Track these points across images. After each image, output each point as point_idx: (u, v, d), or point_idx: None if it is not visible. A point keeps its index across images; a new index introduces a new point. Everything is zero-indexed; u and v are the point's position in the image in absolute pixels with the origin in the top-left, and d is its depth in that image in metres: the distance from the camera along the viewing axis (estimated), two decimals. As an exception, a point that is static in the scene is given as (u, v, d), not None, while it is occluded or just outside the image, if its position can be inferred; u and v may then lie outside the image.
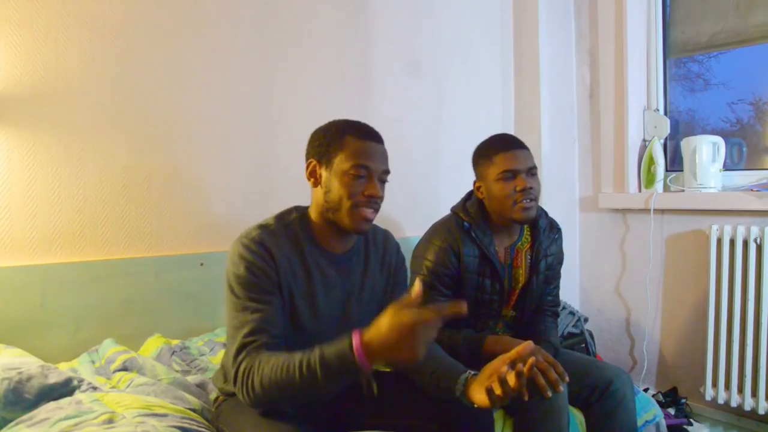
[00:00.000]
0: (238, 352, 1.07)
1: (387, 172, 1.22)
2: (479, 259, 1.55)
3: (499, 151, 1.52)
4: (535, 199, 1.52)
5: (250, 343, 1.07)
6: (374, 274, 1.30)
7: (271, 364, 1.02)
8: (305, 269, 1.18)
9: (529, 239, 1.65)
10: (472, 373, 1.16)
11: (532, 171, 1.52)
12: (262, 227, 1.18)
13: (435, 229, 1.62)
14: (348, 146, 1.17)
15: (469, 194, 1.66)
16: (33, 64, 1.58)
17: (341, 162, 1.16)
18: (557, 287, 1.74)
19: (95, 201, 1.69)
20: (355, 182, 1.16)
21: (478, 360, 1.45)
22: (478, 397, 1.09)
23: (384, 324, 0.95)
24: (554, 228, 1.70)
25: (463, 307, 0.97)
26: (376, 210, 1.20)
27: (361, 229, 1.19)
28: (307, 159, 1.23)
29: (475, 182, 1.61)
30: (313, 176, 1.21)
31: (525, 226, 1.64)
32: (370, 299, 1.29)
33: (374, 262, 1.31)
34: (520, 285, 1.63)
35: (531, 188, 1.49)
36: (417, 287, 0.99)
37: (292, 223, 1.21)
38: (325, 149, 1.18)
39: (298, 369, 0.99)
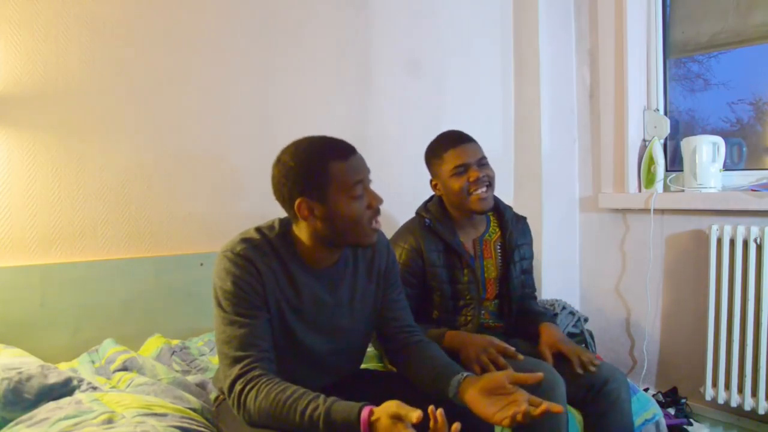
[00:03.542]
0: (230, 366, 1.07)
1: (369, 171, 1.21)
2: (444, 253, 1.61)
3: (448, 148, 1.59)
4: (491, 186, 1.58)
5: (243, 359, 1.07)
6: (363, 283, 1.29)
7: (272, 398, 1.02)
8: (291, 284, 1.18)
9: (498, 230, 1.69)
10: (465, 374, 1.17)
11: (482, 161, 1.58)
12: (246, 241, 1.15)
13: (399, 232, 1.68)
14: (336, 172, 1.13)
15: (432, 196, 1.71)
16: (33, 64, 1.58)
17: (337, 191, 1.13)
18: (531, 274, 1.80)
19: (95, 201, 1.69)
20: (360, 202, 1.15)
21: None
22: (481, 410, 1.08)
23: (391, 411, 0.96)
24: (521, 219, 1.76)
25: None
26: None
27: (373, 242, 1.21)
28: (289, 199, 1.14)
29: (431, 180, 1.67)
30: (311, 213, 1.14)
31: (491, 219, 1.70)
32: (362, 308, 1.29)
33: (362, 270, 1.29)
34: (493, 276, 1.66)
35: (484, 176, 1.55)
36: (440, 417, 0.98)
37: (274, 238, 1.18)
38: (312, 183, 1.13)
39: (299, 414, 1.00)
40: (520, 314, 1.70)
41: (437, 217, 1.62)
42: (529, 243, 1.76)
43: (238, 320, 1.10)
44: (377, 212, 1.19)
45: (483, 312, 1.65)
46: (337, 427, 0.98)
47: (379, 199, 1.19)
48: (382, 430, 0.95)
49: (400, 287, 1.38)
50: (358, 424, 0.97)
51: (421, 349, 1.30)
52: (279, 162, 1.17)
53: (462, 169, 1.56)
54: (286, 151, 1.18)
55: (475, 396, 1.10)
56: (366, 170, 1.19)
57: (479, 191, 1.55)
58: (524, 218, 1.78)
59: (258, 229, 1.19)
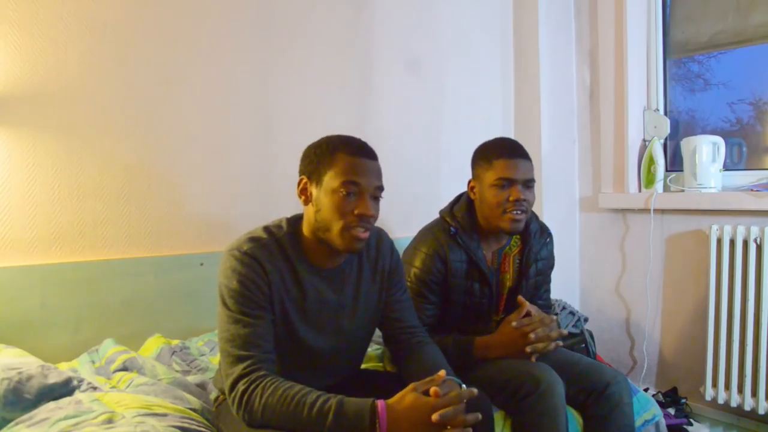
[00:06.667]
0: (233, 365, 1.07)
1: (380, 188, 1.17)
2: (466, 264, 1.53)
3: (500, 157, 1.48)
4: (526, 212, 1.49)
5: (246, 358, 1.07)
6: (367, 284, 1.29)
7: (279, 394, 1.02)
8: (297, 284, 1.18)
9: (519, 243, 1.62)
10: (447, 379, 1.17)
11: (529, 183, 1.49)
12: (254, 240, 1.15)
13: (422, 234, 1.60)
14: (338, 163, 1.13)
15: (458, 197, 1.63)
16: (33, 64, 1.58)
17: (331, 179, 1.13)
18: (548, 291, 1.73)
19: (95, 201, 1.69)
20: (346, 201, 1.12)
21: (469, 364, 1.45)
22: None
23: (407, 402, 0.99)
24: (545, 232, 1.67)
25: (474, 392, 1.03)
26: (369, 229, 1.16)
27: (353, 250, 1.16)
28: (299, 176, 1.20)
29: (469, 181, 1.58)
30: (304, 194, 1.18)
31: None
32: (365, 309, 1.29)
33: (367, 270, 1.29)
34: (507, 289, 1.61)
35: (524, 200, 1.46)
36: (441, 375, 1.02)
37: (282, 237, 1.18)
38: (315, 166, 1.16)
39: (308, 408, 1.00)
40: None
41: (463, 226, 1.53)
42: (549, 257, 1.67)
43: (242, 319, 1.10)
44: (365, 223, 1.14)
45: (492, 324, 1.62)
46: (348, 417, 0.98)
47: (370, 211, 1.14)
48: (407, 406, 0.98)
49: (405, 287, 1.38)
50: (369, 415, 0.98)
51: (420, 350, 1.30)
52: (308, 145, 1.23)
53: (506, 183, 1.46)
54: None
55: None
56: (373, 180, 1.15)
57: (514, 212, 1.46)
58: (550, 233, 1.68)
59: (266, 228, 1.20)
